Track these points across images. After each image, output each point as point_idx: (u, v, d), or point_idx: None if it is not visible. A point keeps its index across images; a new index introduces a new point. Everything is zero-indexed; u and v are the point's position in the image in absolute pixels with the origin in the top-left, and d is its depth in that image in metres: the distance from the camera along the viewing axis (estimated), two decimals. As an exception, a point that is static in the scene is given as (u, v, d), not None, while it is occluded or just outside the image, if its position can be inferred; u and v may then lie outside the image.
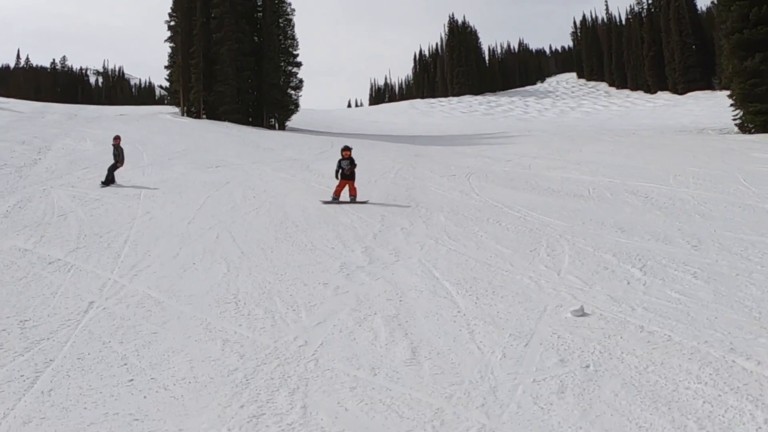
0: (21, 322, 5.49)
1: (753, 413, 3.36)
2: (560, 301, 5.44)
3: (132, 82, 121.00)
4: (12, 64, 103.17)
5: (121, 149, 15.10)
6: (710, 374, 3.84)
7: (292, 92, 34.52)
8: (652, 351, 4.27)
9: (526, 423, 3.39)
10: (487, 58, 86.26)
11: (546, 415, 3.47)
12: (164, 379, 4.23)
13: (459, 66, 71.88)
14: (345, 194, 11.75)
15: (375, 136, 30.73)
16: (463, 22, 76.21)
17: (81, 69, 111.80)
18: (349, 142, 14.80)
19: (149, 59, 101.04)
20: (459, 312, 5.25)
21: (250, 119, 32.91)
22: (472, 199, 11.54)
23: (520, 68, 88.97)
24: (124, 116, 35.53)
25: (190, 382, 4.16)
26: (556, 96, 64.14)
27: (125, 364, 4.51)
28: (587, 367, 4.07)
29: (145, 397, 3.97)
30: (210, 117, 32.11)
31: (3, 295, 6.34)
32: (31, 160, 18.31)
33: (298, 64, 34.84)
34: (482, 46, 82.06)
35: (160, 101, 46.17)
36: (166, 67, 36.20)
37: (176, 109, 35.37)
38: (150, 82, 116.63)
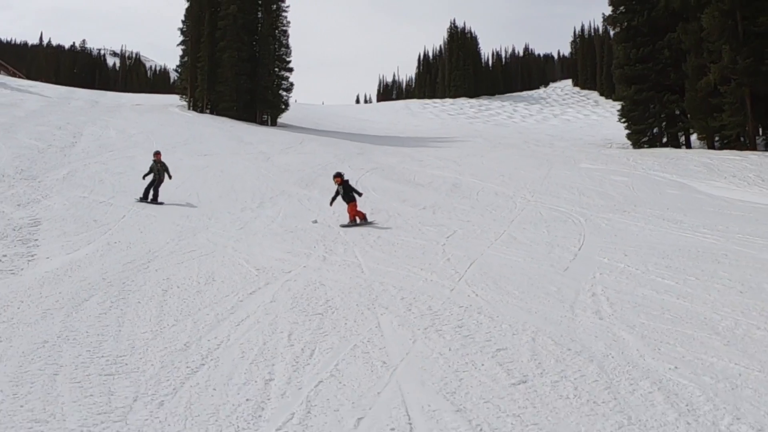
0: (95, 221, 14.56)
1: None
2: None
3: (148, 65, 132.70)
4: (30, 41, 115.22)
5: (163, 164, 17.77)
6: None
7: (284, 93, 43.94)
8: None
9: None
10: (491, 61, 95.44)
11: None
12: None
13: (456, 69, 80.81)
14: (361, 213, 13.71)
15: (343, 134, 39.50)
16: (463, 28, 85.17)
17: (99, 52, 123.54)
18: (333, 153, 23.66)
19: (165, 41, 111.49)
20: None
21: (246, 116, 42.30)
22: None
23: (523, 73, 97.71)
24: (140, 106, 45.18)
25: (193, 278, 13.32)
26: (547, 102, 72.19)
27: (141, 231, 13.68)
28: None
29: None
30: (212, 112, 41.70)
31: (82, 212, 15.42)
32: (69, 142, 27.55)
33: (290, 70, 44.29)
34: (482, 51, 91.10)
35: (174, 87, 55.80)
36: (177, 66, 46.16)
37: (184, 103, 45.14)
38: (165, 68, 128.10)
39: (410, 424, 4.09)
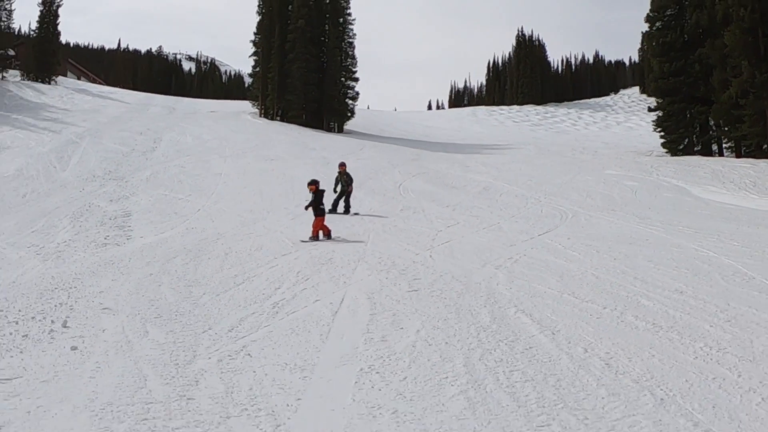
0: (175, 213, 19.01)
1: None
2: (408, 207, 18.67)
3: (223, 69, 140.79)
4: (106, 45, 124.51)
5: (348, 174, 19.45)
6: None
7: (350, 101, 48.57)
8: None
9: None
10: (560, 68, 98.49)
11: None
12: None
13: (524, 77, 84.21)
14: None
15: (405, 141, 43.76)
16: (531, 36, 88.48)
17: (175, 57, 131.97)
18: (366, 152, 28.00)
19: (240, 45, 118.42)
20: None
21: (314, 123, 46.97)
22: (394, 185, 24.63)
23: (593, 80, 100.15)
24: (214, 113, 50.45)
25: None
26: (612, 110, 74.60)
27: (213, 221, 18.14)
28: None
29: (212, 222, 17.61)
30: (282, 119, 46.66)
31: (165, 207, 19.88)
32: (150, 147, 32.55)
33: (356, 79, 48.97)
34: (550, 58, 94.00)
35: (247, 93, 61.09)
36: (249, 75, 51.37)
37: (256, 110, 50.30)
38: (240, 73, 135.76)
39: (341, 302, 8.23)
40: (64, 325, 7.66)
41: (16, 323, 7.74)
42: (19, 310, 8.34)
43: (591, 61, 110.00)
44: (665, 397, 5.15)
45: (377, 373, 5.84)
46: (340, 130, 48.07)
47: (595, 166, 30.16)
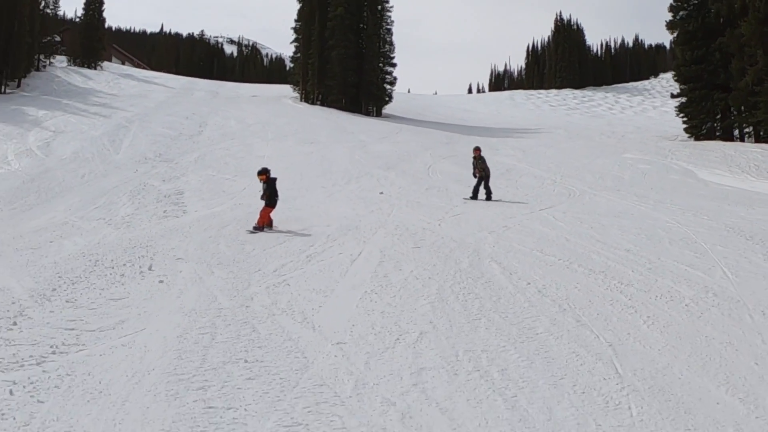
0: (223, 191, 21.98)
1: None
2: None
3: (264, 52, 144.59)
4: (147, 29, 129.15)
5: (482, 158, 19.79)
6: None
7: (387, 86, 51.28)
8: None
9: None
10: (600, 52, 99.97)
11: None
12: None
13: (562, 61, 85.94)
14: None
15: (441, 125, 46.29)
16: (569, 20, 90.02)
17: (217, 41, 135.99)
18: (367, 136, 30.96)
19: (281, 28, 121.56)
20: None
21: (352, 107, 49.75)
22: (423, 167, 27.29)
23: (632, 63, 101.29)
24: (256, 98, 53.58)
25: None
26: (650, 94, 75.99)
27: (257, 198, 21.05)
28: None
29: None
30: (322, 104, 49.62)
31: (213, 186, 22.82)
32: (196, 131, 35.61)
33: (394, 65, 51.68)
34: (589, 42, 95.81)
35: (288, 77, 64.00)
36: (290, 58, 54.46)
37: (296, 94, 53.31)
38: (281, 56, 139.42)
39: (359, 254, 11.02)
40: (150, 268, 10.55)
41: (113, 268, 10.63)
42: (112, 260, 11.23)
43: (630, 44, 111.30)
44: (567, 308, 7.85)
45: (375, 293, 8.62)
46: (379, 114, 50.80)
47: (617, 149, 32.45)
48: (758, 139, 35.21)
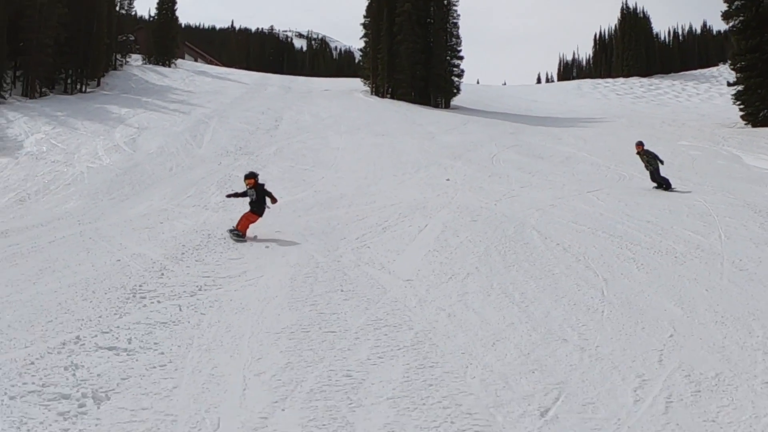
0: (303, 180, 25.02)
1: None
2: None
3: (333, 45, 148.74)
4: (216, 25, 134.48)
5: (649, 153, 20.60)
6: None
7: (455, 78, 53.95)
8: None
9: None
10: (667, 39, 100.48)
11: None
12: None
13: (629, 50, 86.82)
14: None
15: (507, 115, 48.54)
16: (635, 8, 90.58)
17: (286, 35, 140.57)
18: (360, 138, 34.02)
19: (349, 21, 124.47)
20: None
21: (421, 100, 52.58)
22: (488, 157, 29.92)
23: (700, 50, 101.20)
24: (328, 92, 56.76)
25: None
26: (717, 81, 75.83)
27: (335, 186, 24.09)
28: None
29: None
30: (392, 97, 52.64)
31: (293, 176, 25.88)
32: (273, 125, 38.73)
33: (461, 58, 54.33)
34: (656, 29, 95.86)
35: (358, 70, 67.10)
36: (360, 51, 57.82)
37: (367, 88, 56.45)
38: (350, 49, 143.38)
39: (425, 227, 13.89)
40: (255, 238, 13.58)
41: (224, 239, 13.66)
42: (221, 234, 14.23)
43: (698, 31, 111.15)
44: (582, 259, 10.59)
45: (437, 251, 11.50)
46: (447, 106, 53.50)
47: (673, 137, 34.49)
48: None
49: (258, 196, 14.07)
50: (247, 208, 14.10)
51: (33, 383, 6.20)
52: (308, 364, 6.54)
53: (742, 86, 40.75)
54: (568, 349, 6.80)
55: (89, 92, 49.65)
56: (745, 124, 40.24)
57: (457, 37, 54.95)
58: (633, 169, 24.40)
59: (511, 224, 13.83)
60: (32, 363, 6.70)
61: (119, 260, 11.87)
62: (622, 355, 6.59)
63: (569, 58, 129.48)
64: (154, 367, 6.62)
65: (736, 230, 12.63)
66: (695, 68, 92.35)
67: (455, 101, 54.72)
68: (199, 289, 9.58)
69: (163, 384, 6.22)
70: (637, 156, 21.08)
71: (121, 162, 27.79)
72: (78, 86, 49.68)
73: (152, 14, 72.96)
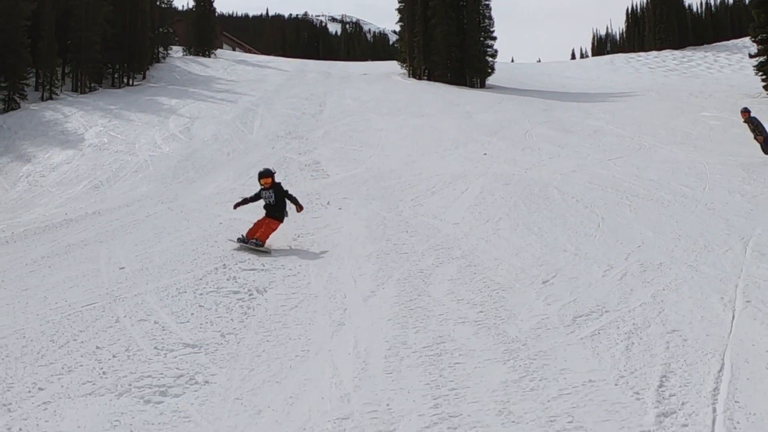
0: (354, 159, 28.55)
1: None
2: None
3: (366, 28, 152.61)
4: (249, 12, 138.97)
5: (756, 120, 20.10)
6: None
7: (489, 59, 57.29)
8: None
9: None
10: (700, 10, 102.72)
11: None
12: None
13: (661, 22, 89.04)
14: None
15: (541, 92, 51.51)
16: None
17: (320, 21, 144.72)
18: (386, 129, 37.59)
19: (382, 2, 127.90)
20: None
21: (457, 80, 55.95)
22: (521, 132, 33.21)
23: (733, 20, 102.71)
24: (366, 76, 60.27)
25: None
26: (749, 51, 78.08)
27: (384, 162, 27.67)
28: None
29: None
30: (429, 79, 56.18)
31: (343, 155, 29.41)
32: (317, 110, 42.21)
33: (494, 38, 57.64)
34: (687, 1, 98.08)
35: (394, 53, 70.53)
36: (395, 33, 61.51)
37: (404, 71, 60.01)
38: (384, 31, 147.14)
39: (465, 190, 17.48)
40: (328, 203, 17.20)
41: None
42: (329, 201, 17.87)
43: (731, 1, 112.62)
44: (588, 206, 14.08)
45: (476, 206, 15.08)
46: (482, 86, 56.78)
47: (697, 108, 37.54)
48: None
49: (277, 199, 12.58)
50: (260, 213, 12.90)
51: (210, 287, 9.81)
52: (393, 269, 10.17)
53: (764, 57, 43.55)
54: (566, 255, 10.35)
55: (136, 85, 53.37)
56: (768, 94, 43.17)
57: (490, 18, 58.20)
58: (653, 139, 27.61)
59: (537, 186, 17.29)
60: (201, 278, 10.31)
61: (221, 223, 15.31)
62: (601, 256, 10.10)
63: (603, 33, 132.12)
64: (289, 277, 10.26)
65: (720, 183, 16.01)
66: (728, 39, 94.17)
67: (490, 80, 57.92)
68: (298, 236, 13.18)
69: (300, 282, 9.88)
70: (744, 124, 21.09)
71: (180, 149, 31.00)
72: (125, 80, 53.41)
73: (191, 5, 76.73)
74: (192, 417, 5.38)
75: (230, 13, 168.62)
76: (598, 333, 6.76)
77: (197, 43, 70.53)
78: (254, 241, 12.01)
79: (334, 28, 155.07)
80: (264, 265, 10.93)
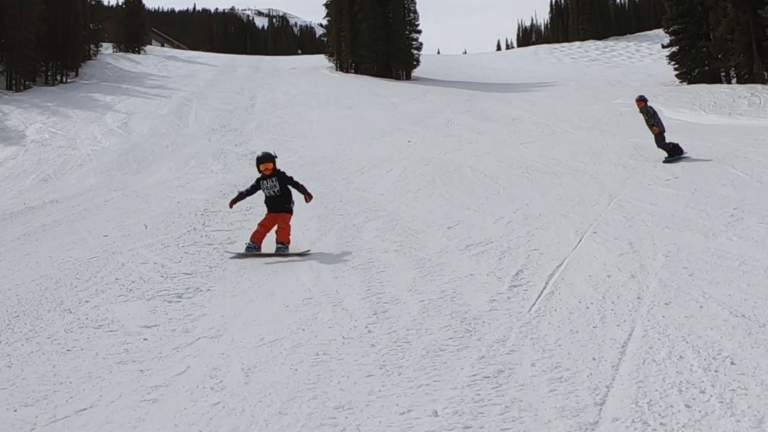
0: (287, 149, 31.37)
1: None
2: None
3: (293, 22, 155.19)
4: (176, 8, 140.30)
5: (651, 110, 19.88)
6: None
7: (414, 51, 60.86)
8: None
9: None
10: (624, 2, 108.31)
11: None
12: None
13: (584, 13, 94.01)
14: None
15: (465, 84, 55.12)
16: None
17: (247, 15, 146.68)
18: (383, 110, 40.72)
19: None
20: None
21: (384, 73, 59.13)
22: (445, 121, 36.40)
23: (656, 10, 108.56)
24: (295, 70, 63.05)
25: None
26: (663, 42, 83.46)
27: (317, 149, 30.53)
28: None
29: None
30: (356, 72, 59.31)
31: (276, 146, 32.27)
32: (249, 104, 44.88)
33: (419, 32, 61.36)
34: None
35: (321, 43, 73.43)
36: (321, 26, 64.48)
37: (332, 64, 62.98)
38: (310, 25, 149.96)
39: (392, 169, 20.50)
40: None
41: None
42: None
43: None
44: (494, 179, 17.26)
45: (399, 181, 18.11)
46: (408, 78, 60.16)
47: (612, 96, 41.29)
48: (740, 81, 43.88)
49: (282, 188, 11.24)
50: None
51: (189, 242, 12.48)
52: (332, 224, 13.17)
53: (676, 48, 47.73)
54: (469, 211, 13.46)
55: (70, 82, 55.09)
56: (680, 82, 47.26)
57: (415, 12, 61.69)
58: (567, 125, 31.08)
59: (453, 165, 20.45)
60: (179, 237, 12.93)
61: (179, 202, 17.97)
62: (496, 211, 13.19)
63: (528, 24, 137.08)
64: (249, 230, 13.12)
65: (610, 159, 19.34)
66: (651, 29, 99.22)
67: (416, 72, 61.32)
68: (251, 207, 15.90)
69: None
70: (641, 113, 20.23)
71: (120, 144, 33.32)
72: (59, 77, 55.08)
73: (120, 2, 78.29)
74: (205, 306, 8.21)
75: (156, 8, 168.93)
76: (482, 253, 9.79)
77: (127, 39, 72.49)
78: (280, 246, 10.71)
79: (261, 23, 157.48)
80: (230, 226, 13.75)
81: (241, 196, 11.70)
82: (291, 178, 11.43)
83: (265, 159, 11.33)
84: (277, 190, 11.21)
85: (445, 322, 6.81)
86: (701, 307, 6.71)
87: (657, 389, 4.90)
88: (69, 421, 5.25)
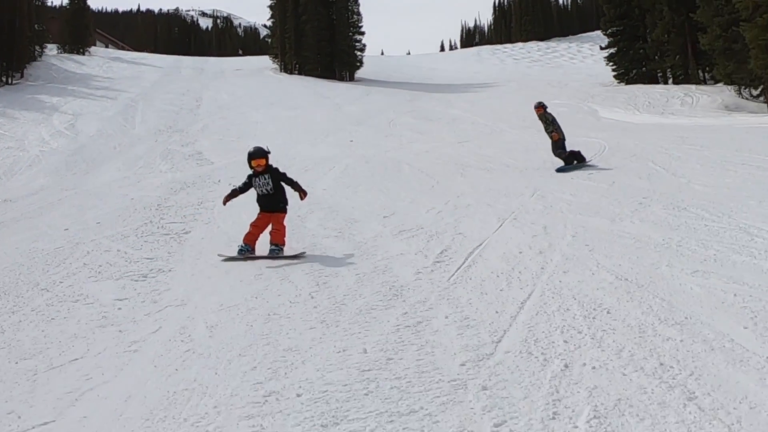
0: (235, 149, 32.50)
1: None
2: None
3: (237, 23, 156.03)
4: (119, 8, 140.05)
5: (549, 117, 19.78)
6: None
7: (358, 53, 62.43)
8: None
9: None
10: (567, 3, 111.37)
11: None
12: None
13: (527, 14, 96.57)
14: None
15: (408, 84, 56.82)
16: None
17: (191, 16, 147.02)
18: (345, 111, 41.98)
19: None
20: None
21: (327, 74, 60.53)
22: (386, 122, 37.81)
23: (599, 12, 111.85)
24: (240, 71, 64.03)
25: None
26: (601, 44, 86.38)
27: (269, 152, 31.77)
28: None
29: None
30: (300, 73, 60.63)
31: (229, 146, 33.35)
32: (195, 105, 45.83)
33: (362, 33, 63.02)
34: None
35: (265, 44, 74.38)
36: (265, 26, 65.87)
37: (276, 66, 64.18)
38: (255, 26, 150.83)
39: (334, 167, 21.86)
40: (219, 181, 21.19)
41: (203, 183, 21.23)
42: (194, 181, 21.71)
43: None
44: (429, 175, 18.69)
45: (340, 178, 19.47)
46: (352, 79, 61.63)
47: (551, 96, 42.97)
48: (676, 81, 46.11)
49: (275, 186, 11.06)
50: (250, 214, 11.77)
51: (147, 233, 13.67)
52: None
53: (614, 49, 49.87)
54: (404, 203, 14.88)
55: (15, 84, 55.04)
56: (618, 82, 49.39)
57: (359, 14, 63.22)
58: (504, 125, 32.64)
59: (392, 163, 21.87)
60: (137, 228, 14.11)
61: (133, 199, 18.92)
62: (428, 203, 14.61)
63: (471, 25, 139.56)
64: (205, 224, 14.37)
65: (540, 156, 20.93)
66: (593, 30, 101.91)
67: (359, 74, 62.80)
68: (201, 203, 17.14)
69: (212, 227, 13.98)
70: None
71: (68, 145, 33.59)
72: (4, 79, 55.16)
73: (64, 3, 78.31)
74: (168, 283, 9.49)
75: (100, 9, 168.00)
76: (412, 237, 11.20)
77: (72, 41, 72.52)
78: (274, 248, 10.45)
79: (205, 23, 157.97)
80: (184, 218, 14.95)
81: (234, 193, 11.34)
82: (284, 174, 11.17)
83: (257, 154, 10.94)
84: (271, 188, 10.91)
85: (377, 289, 8.29)
86: (593, 273, 8.26)
87: (544, 331, 6.50)
88: (64, 368, 6.57)
